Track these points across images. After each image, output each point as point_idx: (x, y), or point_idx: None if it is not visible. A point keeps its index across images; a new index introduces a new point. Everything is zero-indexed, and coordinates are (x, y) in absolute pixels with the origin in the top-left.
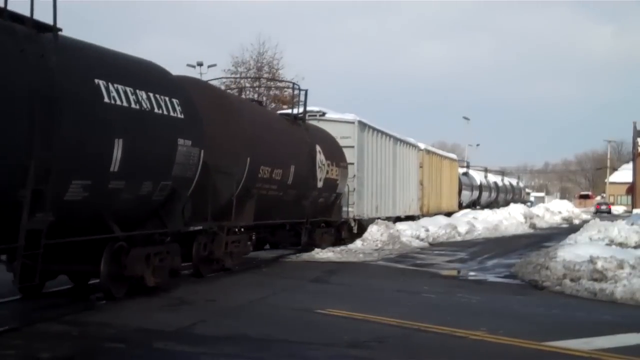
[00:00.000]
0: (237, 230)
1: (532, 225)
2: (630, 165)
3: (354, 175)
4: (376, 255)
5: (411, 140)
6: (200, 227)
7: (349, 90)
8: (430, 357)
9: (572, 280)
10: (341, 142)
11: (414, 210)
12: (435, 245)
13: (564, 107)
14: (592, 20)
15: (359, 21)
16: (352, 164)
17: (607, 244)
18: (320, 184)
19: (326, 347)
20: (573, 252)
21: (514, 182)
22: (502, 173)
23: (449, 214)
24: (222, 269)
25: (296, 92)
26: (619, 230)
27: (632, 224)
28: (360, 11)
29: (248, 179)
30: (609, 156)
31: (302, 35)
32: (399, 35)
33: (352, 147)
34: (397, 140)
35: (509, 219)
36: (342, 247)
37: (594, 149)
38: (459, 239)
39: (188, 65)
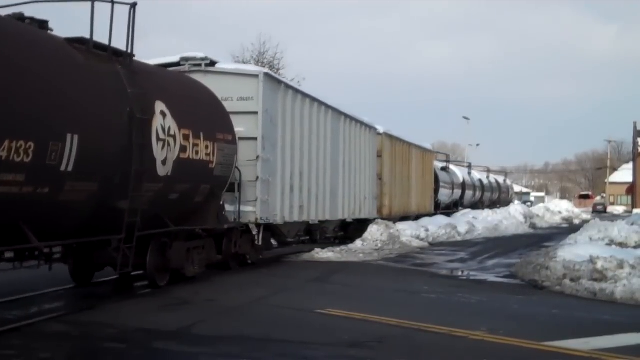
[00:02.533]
0: None
1: (532, 225)
2: (630, 165)
3: (258, 157)
4: (376, 255)
5: (365, 119)
6: None
7: (349, 90)
8: (430, 357)
9: (572, 280)
10: (238, 106)
11: (367, 212)
12: (435, 245)
13: (565, 107)
14: (595, 20)
15: (360, 21)
16: (254, 139)
17: (607, 244)
18: (165, 170)
19: (326, 347)
20: (573, 252)
21: (500, 179)
22: (488, 170)
23: (419, 217)
24: None
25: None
26: (619, 230)
27: (632, 224)
28: (361, 11)
29: None
30: (609, 156)
31: (303, 35)
32: (400, 35)
33: (255, 113)
34: (340, 115)
35: (509, 219)
36: (342, 247)
37: (594, 149)
38: (459, 238)
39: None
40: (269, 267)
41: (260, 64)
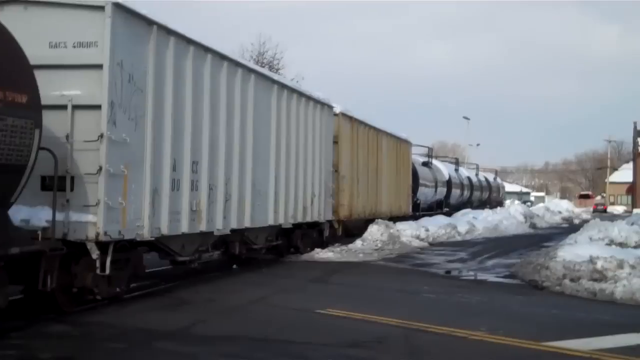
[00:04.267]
0: None
1: (532, 225)
2: (630, 165)
3: (102, 136)
4: (376, 255)
5: (317, 94)
6: None
7: (350, 90)
8: (430, 357)
9: (572, 280)
10: (74, 57)
11: (318, 214)
12: (435, 245)
13: (565, 107)
14: (596, 20)
15: (362, 21)
16: (97, 107)
17: (607, 244)
18: None
19: (326, 347)
20: (573, 252)
21: (490, 177)
22: (477, 167)
23: (393, 220)
24: None
25: None
26: (619, 230)
27: (632, 224)
28: (363, 11)
29: None
30: (609, 156)
31: (304, 35)
32: (401, 35)
33: (98, 66)
34: (272, 84)
35: (509, 219)
36: (342, 247)
37: (594, 149)
38: (459, 238)
39: None
40: (269, 267)
41: (259, 64)
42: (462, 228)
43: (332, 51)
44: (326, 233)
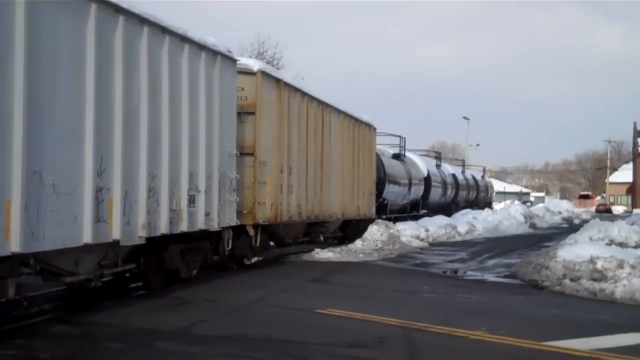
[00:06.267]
0: None
1: (532, 225)
2: (630, 165)
3: None
4: (376, 255)
5: (206, 39)
6: None
7: (350, 90)
8: (430, 357)
9: (572, 280)
10: None
11: (202, 220)
12: (435, 245)
13: (565, 107)
14: (597, 20)
15: (361, 21)
16: None
17: (607, 244)
18: None
19: (326, 347)
20: (573, 251)
21: (478, 175)
22: (463, 163)
23: (346, 225)
24: None
25: None
26: (619, 230)
27: (632, 224)
28: (362, 11)
29: None
30: (609, 156)
31: (305, 34)
32: (402, 35)
33: None
34: (87, 5)
35: (509, 219)
36: (342, 247)
37: (594, 149)
38: (459, 238)
39: None
40: (269, 267)
41: None
42: (462, 228)
43: (331, 50)
44: (228, 246)
